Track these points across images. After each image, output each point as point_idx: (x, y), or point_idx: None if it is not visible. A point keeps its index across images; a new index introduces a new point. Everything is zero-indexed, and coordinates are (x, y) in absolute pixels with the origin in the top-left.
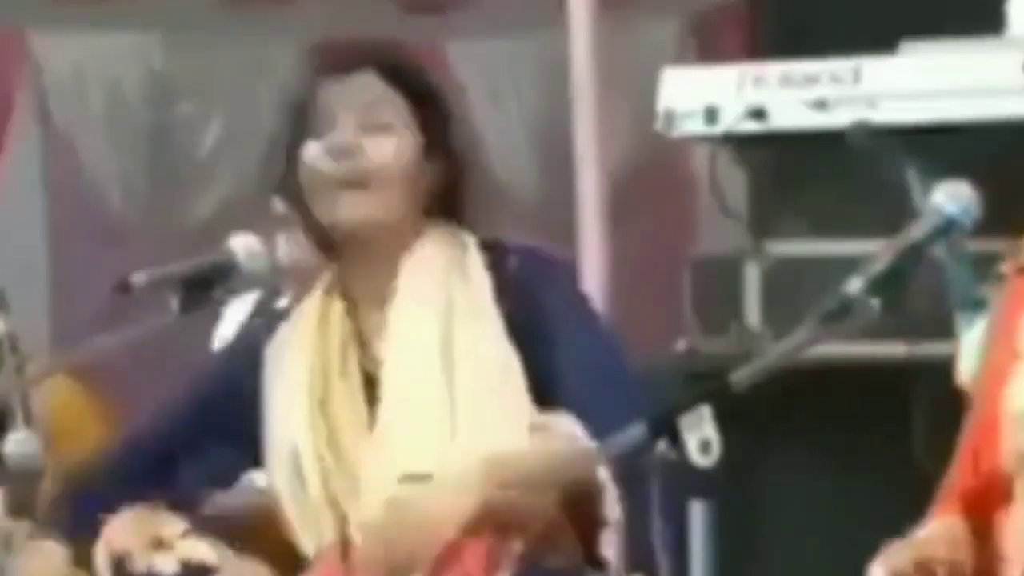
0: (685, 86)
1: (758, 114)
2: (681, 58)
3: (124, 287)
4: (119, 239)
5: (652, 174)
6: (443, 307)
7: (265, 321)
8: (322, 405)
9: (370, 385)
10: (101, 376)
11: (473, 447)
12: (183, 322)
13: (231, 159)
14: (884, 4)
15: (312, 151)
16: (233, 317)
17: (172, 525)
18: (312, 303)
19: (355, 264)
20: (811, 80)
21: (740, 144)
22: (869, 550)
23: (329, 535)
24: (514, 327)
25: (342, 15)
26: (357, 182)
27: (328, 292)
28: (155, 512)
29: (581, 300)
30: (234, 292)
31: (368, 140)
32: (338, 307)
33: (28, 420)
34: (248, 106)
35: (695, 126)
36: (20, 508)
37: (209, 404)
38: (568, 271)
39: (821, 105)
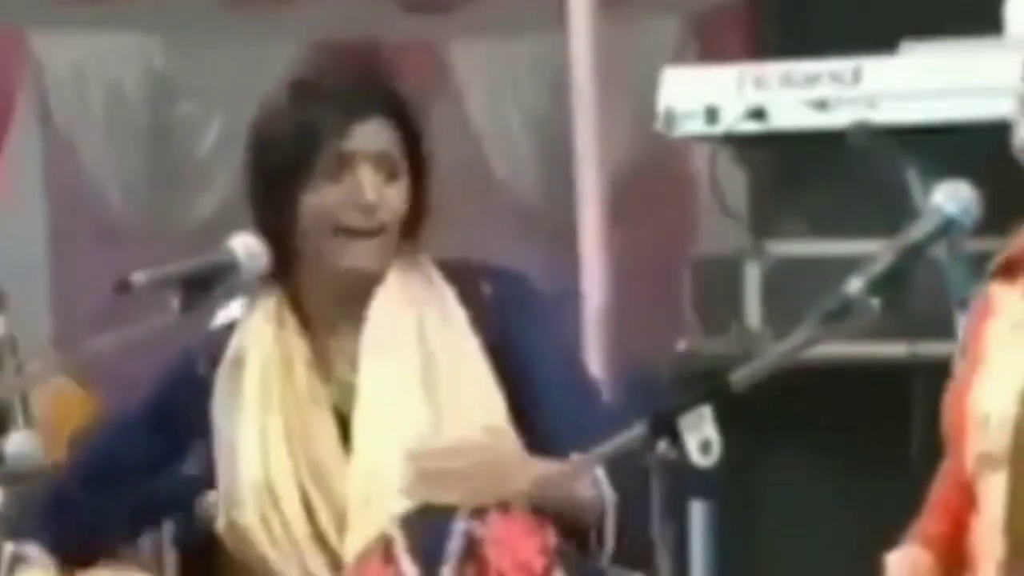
0: (685, 86)
1: (758, 114)
2: (681, 58)
3: (124, 287)
4: (119, 239)
5: (652, 174)
6: (417, 337)
7: (201, 345)
8: (295, 435)
9: (337, 413)
10: (101, 376)
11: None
12: (183, 322)
13: (231, 159)
14: (884, 4)
15: (334, 200)
16: (224, 318)
17: None
18: (260, 327)
19: (317, 289)
20: (811, 80)
21: (740, 144)
22: (869, 550)
23: (316, 571)
24: (493, 351)
25: (342, 15)
26: (371, 233)
27: (278, 315)
28: None
29: (549, 321)
30: (233, 293)
31: (383, 193)
32: (293, 331)
33: (28, 420)
34: (248, 106)
35: (695, 126)
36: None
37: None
38: (535, 291)
39: (821, 105)
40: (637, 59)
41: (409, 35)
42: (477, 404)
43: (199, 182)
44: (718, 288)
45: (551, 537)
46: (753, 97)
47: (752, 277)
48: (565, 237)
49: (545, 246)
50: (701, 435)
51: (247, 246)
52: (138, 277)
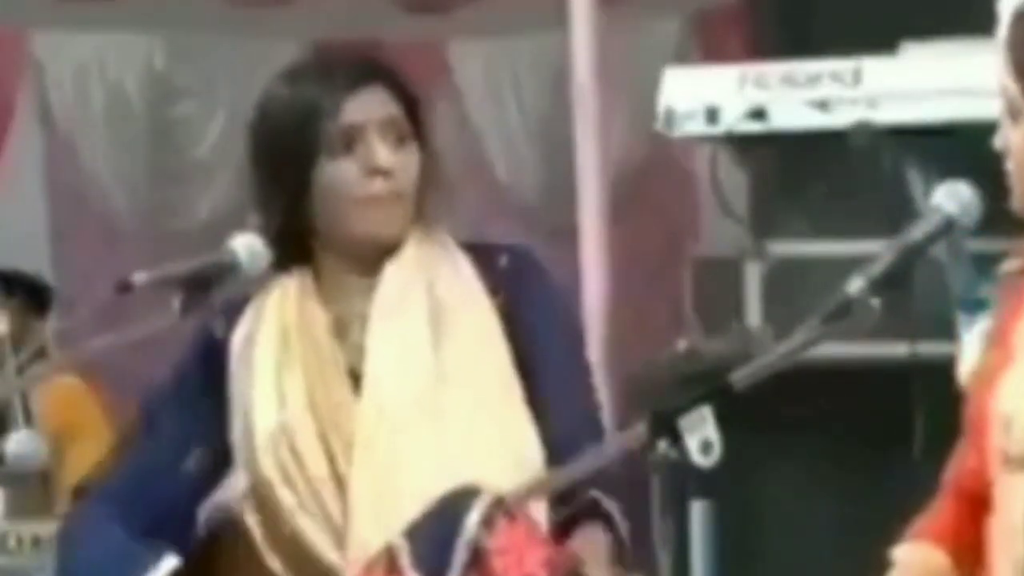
0: (686, 86)
1: (759, 114)
2: (682, 58)
3: (125, 287)
4: (119, 239)
5: (653, 174)
6: (426, 294)
7: (219, 311)
8: (315, 390)
9: (352, 374)
10: (101, 376)
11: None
12: (183, 322)
13: (231, 159)
14: (885, 5)
15: (347, 171)
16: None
17: None
18: (279, 297)
19: (334, 262)
20: (812, 80)
21: (741, 144)
22: (869, 550)
23: (336, 515)
24: (508, 318)
25: (342, 15)
26: (388, 199)
27: (300, 288)
28: None
29: (560, 298)
30: (233, 294)
31: (396, 158)
32: (313, 301)
33: (28, 420)
34: (248, 106)
35: (696, 126)
36: (20, 508)
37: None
38: (546, 268)
39: (822, 105)
40: (638, 59)
41: (409, 35)
42: (485, 356)
43: (199, 182)
44: (718, 288)
45: (556, 547)
46: (754, 97)
47: (752, 277)
48: (565, 237)
49: (545, 246)
50: (702, 435)
51: (248, 245)
52: (139, 277)
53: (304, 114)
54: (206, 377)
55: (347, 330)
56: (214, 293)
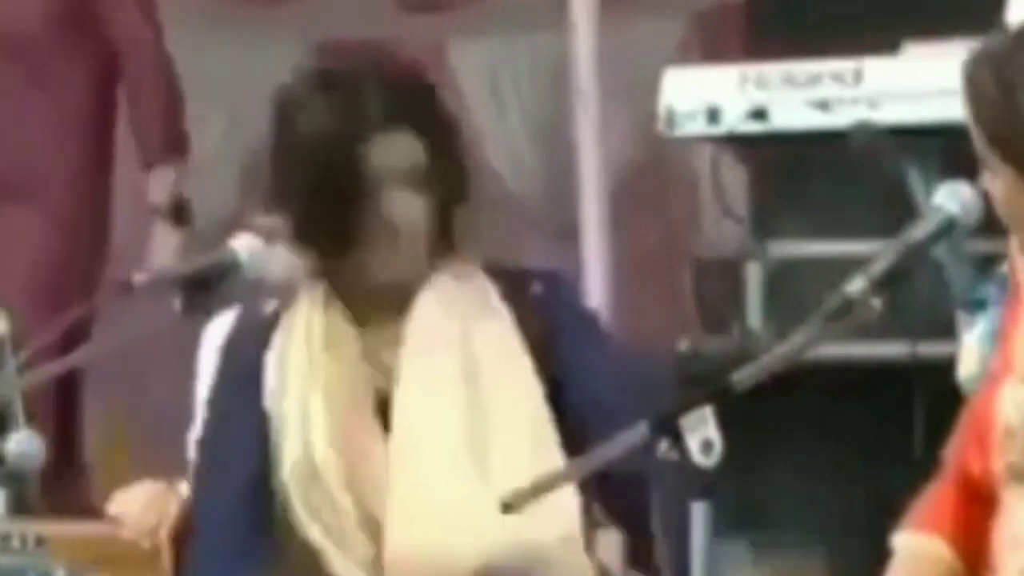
0: (687, 86)
1: (760, 114)
2: (683, 58)
3: (125, 287)
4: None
5: (653, 174)
6: (460, 336)
7: (254, 333)
8: (340, 426)
9: (381, 401)
10: (101, 376)
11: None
12: (183, 322)
13: (231, 159)
14: (885, 4)
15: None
16: (217, 331)
17: None
18: (307, 313)
19: (359, 287)
20: (813, 80)
21: (742, 144)
22: (869, 549)
23: (364, 551)
24: (543, 348)
25: (343, 15)
26: (406, 247)
27: (325, 304)
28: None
29: (595, 320)
30: (233, 296)
31: (411, 210)
32: (339, 319)
33: (29, 420)
34: (249, 106)
35: (697, 126)
36: (20, 508)
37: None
38: (577, 295)
39: (823, 105)
40: (638, 59)
41: (409, 35)
42: (520, 401)
43: (199, 182)
44: (719, 288)
45: None
46: (754, 97)
47: (753, 277)
48: (566, 237)
49: (546, 246)
50: (703, 435)
51: (249, 246)
52: (139, 277)
53: (332, 148)
54: (251, 400)
55: (376, 354)
56: (215, 293)
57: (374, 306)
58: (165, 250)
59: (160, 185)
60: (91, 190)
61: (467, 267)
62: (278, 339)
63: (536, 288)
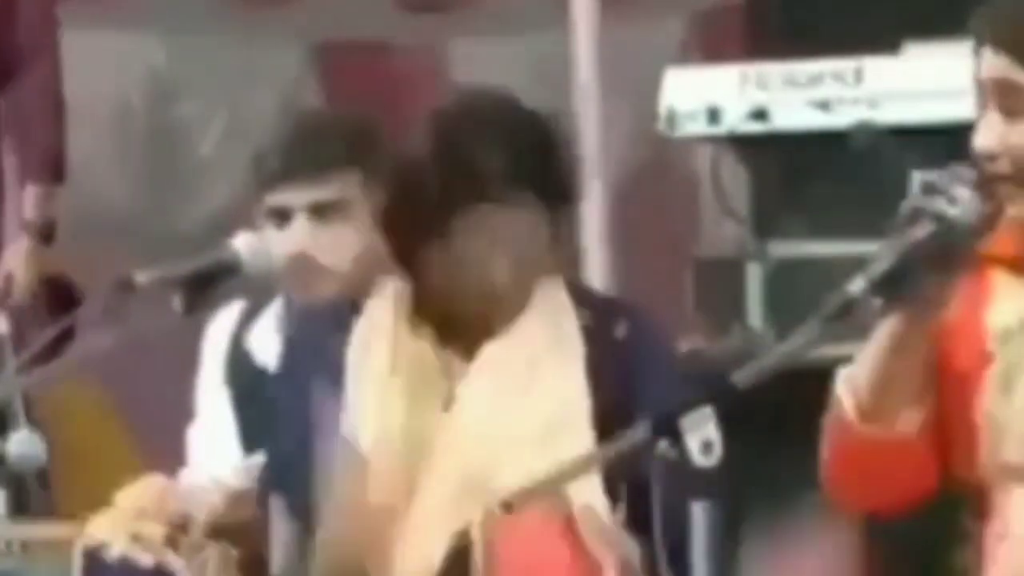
0: (687, 86)
1: (760, 114)
2: (683, 58)
3: (127, 286)
4: (120, 239)
5: (654, 174)
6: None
7: (332, 319)
8: (413, 422)
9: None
10: (101, 376)
11: None
12: (184, 322)
13: (231, 159)
14: (886, 4)
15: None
16: (219, 326)
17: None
18: (389, 313)
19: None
20: (813, 80)
21: (742, 144)
22: (868, 549)
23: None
24: (617, 390)
25: (343, 16)
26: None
27: (408, 308)
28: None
29: (675, 363)
30: (233, 294)
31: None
32: (421, 330)
33: (30, 420)
34: (249, 106)
35: (697, 126)
36: (20, 508)
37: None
38: (667, 339)
39: (824, 105)
40: (639, 59)
41: (409, 35)
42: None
43: (199, 182)
44: (720, 289)
45: None
46: (755, 97)
47: (754, 277)
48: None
49: None
50: (703, 436)
51: (250, 244)
52: (141, 276)
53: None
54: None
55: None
56: (217, 292)
57: (447, 319)
58: (15, 257)
59: (33, 202)
60: None
61: (556, 297)
62: (361, 326)
63: (620, 329)
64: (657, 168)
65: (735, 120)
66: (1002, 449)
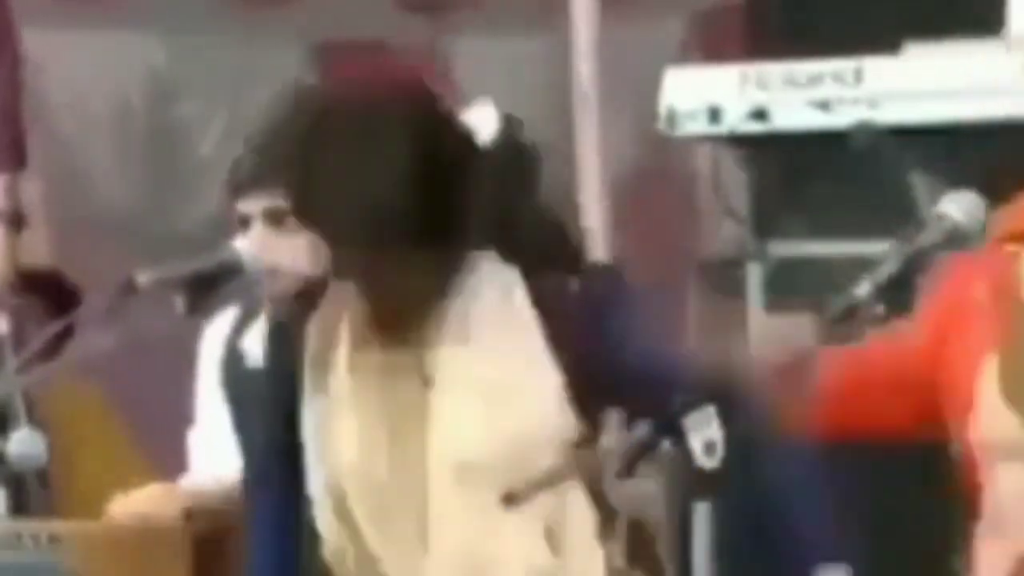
0: (688, 86)
1: (760, 114)
2: (684, 58)
3: (129, 287)
4: (120, 239)
5: (654, 174)
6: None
7: (283, 331)
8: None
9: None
10: (101, 376)
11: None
12: (184, 322)
13: (231, 159)
14: (886, 4)
15: None
16: (216, 329)
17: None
18: (335, 320)
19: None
20: (813, 80)
21: (742, 144)
22: (868, 549)
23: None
24: (580, 352)
25: (342, 15)
26: None
27: (361, 311)
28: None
29: (642, 321)
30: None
31: None
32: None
33: (30, 420)
34: (249, 106)
35: (698, 126)
36: (20, 507)
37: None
38: (628, 288)
39: (823, 105)
40: (639, 59)
41: (409, 35)
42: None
43: (199, 182)
44: (720, 289)
45: None
46: (755, 97)
47: (753, 277)
48: None
49: None
50: (706, 436)
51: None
52: (143, 277)
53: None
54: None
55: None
56: (219, 292)
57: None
58: None
59: None
60: None
61: (502, 270)
62: (312, 335)
63: (573, 285)
64: (657, 168)
65: (735, 120)
66: (1008, 427)
